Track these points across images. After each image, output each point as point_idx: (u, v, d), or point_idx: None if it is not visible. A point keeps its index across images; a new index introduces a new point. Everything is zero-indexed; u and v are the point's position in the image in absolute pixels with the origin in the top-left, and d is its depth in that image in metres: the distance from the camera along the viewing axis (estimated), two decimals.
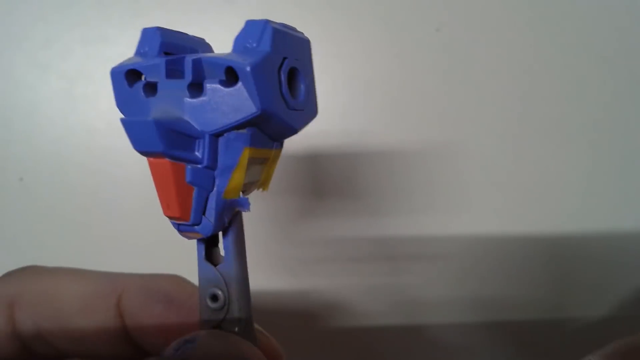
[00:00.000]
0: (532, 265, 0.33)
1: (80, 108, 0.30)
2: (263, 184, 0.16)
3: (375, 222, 0.31)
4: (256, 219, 0.30)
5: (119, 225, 0.30)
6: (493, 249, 0.32)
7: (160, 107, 0.13)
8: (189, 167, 0.14)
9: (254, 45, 0.14)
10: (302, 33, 0.15)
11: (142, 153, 0.14)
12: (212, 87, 0.13)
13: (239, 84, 0.13)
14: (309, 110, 0.15)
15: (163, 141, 0.13)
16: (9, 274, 0.17)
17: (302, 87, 0.15)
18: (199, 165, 0.14)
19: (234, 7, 0.30)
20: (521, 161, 0.32)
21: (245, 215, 0.16)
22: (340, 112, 0.31)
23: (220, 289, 0.15)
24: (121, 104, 0.15)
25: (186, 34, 0.15)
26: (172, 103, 0.13)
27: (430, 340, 0.32)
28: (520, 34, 0.33)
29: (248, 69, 0.13)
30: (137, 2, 0.30)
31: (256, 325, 0.16)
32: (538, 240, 0.32)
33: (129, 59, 0.14)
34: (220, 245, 0.16)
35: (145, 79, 0.14)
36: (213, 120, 0.13)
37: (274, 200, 0.30)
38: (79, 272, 0.18)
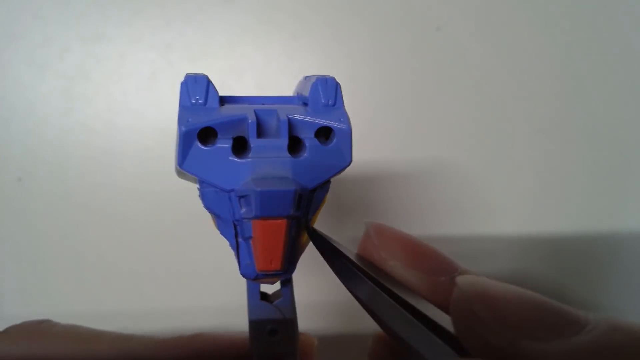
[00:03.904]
0: (533, 265, 0.32)
1: (79, 107, 0.30)
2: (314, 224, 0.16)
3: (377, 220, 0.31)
4: None
5: (117, 224, 0.30)
6: (493, 250, 0.32)
7: (264, 169, 0.13)
8: (293, 222, 0.14)
9: (331, 103, 0.15)
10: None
11: (262, 217, 0.13)
12: (312, 145, 0.14)
13: (335, 141, 0.14)
14: None
15: (293, 205, 0.13)
16: (18, 332, 0.16)
17: None
18: (299, 218, 0.14)
19: (233, 7, 0.30)
20: (522, 161, 0.32)
21: None
22: None
23: (279, 324, 0.16)
24: (193, 164, 0.14)
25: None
26: (275, 163, 0.14)
27: None
28: (521, 34, 0.32)
29: (345, 127, 0.14)
30: (136, 1, 0.30)
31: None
32: (538, 240, 0.32)
33: (186, 114, 0.14)
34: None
35: (221, 136, 0.13)
36: (314, 176, 0.14)
37: None
38: (91, 338, 0.16)
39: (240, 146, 0.14)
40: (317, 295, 0.31)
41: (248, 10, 0.30)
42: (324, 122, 0.14)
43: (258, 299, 0.16)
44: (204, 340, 0.17)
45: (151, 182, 0.30)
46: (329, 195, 0.15)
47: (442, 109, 0.32)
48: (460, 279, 0.11)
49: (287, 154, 0.14)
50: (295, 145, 0.14)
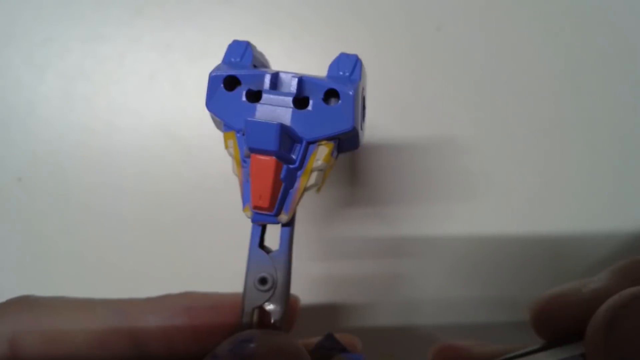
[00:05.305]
0: (534, 265, 0.32)
1: (79, 107, 0.30)
2: (320, 187, 0.18)
3: (376, 222, 0.31)
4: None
5: (117, 224, 0.30)
6: (493, 250, 0.32)
7: (267, 113, 0.16)
8: (285, 166, 0.16)
9: (347, 74, 0.17)
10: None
11: (253, 150, 0.15)
12: (317, 103, 0.16)
13: (339, 103, 0.16)
14: (364, 132, 0.19)
15: (278, 142, 0.15)
16: (3, 308, 0.16)
17: (366, 112, 0.19)
18: (292, 166, 0.16)
19: (233, 7, 0.30)
20: (521, 161, 0.32)
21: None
22: None
23: (270, 274, 0.17)
24: (214, 105, 0.16)
25: (255, 47, 0.18)
26: (279, 112, 0.16)
27: (430, 340, 0.32)
28: (521, 33, 0.32)
29: (351, 93, 0.16)
30: (136, 1, 0.30)
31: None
32: (539, 240, 0.32)
33: (221, 66, 0.16)
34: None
35: (243, 86, 0.16)
36: (313, 130, 0.16)
37: None
38: (80, 304, 0.16)
39: (258, 99, 0.16)
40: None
41: (248, 10, 0.30)
42: (330, 85, 0.16)
43: (257, 245, 0.17)
44: (191, 298, 0.17)
45: (151, 182, 0.30)
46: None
47: (442, 109, 0.32)
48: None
49: (290, 104, 0.16)
50: (304, 105, 0.16)
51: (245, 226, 0.30)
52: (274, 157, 0.15)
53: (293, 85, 0.16)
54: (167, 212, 0.30)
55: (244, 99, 0.16)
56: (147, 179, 0.30)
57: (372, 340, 0.32)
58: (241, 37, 0.30)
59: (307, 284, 0.31)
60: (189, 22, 0.30)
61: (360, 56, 0.31)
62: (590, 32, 0.33)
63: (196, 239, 0.30)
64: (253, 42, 0.31)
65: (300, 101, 0.16)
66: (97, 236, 0.30)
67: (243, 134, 0.16)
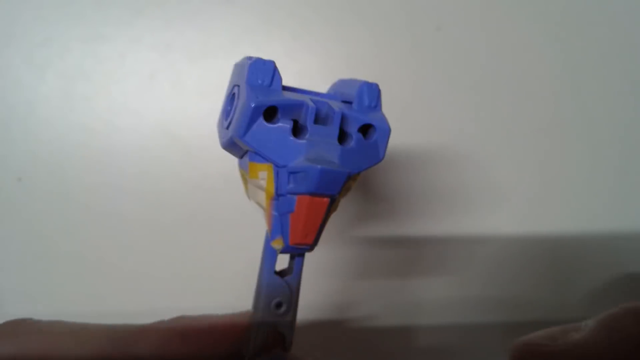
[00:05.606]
0: (534, 266, 0.32)
1: (79, 107, 0.30)
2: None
3: (377, 224, 0.31)
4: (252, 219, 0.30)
5: (117, 224, 0.30)
6: (494, 250, 0.32)
7: (316, 152, 0.15)
8: (329, 201, 0.16)
9: (373, 105, 0.17)
10: None
11: (313, 194, 0.15)
12: (358, 138, 0.16)
13: (375, 137, 0.16)
14: None
15: (341, 186, 0.15)
16: (1, 330, 0.16)
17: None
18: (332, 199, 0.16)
19: (233, 7, 0.30)
20: (522, 162, 0.32)
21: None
22: None
23: (287, 297, 0.17)
24: (252, 137, 0.15)
25: None
26: (326, 148, 0.16)
27: (431, 341, 0.32)
28: (521, 33, 0.32)
29: (388, 128, 0.17)
30: (137, 1, 0.30)
31: None
32: (539, 241, 0.32)
33: (253, 93, 0.15)
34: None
35: (282, 117, 0.15)
36: (353, 164, 0.16)
37: None
38: (76, 329, 0.17)
39: (294, 129, 0.16)
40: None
41: (248, 10, 0.30)
42: (369, 120, 0.16)
43: (273, 272, 0.17)
44: (185, 323, 0.17)
45: (151, 182, 0.30)
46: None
47: (442, 108, 0.32)
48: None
49: (336, 141, 0.16)
50: (344, 138, 0.16)
51: (244, 226, 0.30)
52: (328, 199, 0.15)
53: (336, 120, 0.16)
54: (167, 212, 0.30)
55: (290, 134, 0.15)
56: (147, 179, 0.30)
57: (374, 341, 0.32)
58: (241, 37, 0.30)
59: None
60: (190, 22, 0.30)
61: (360, 56, 0.31)
62: (590, 32, 0.33)
63: (196, 239, 0.30)
64: (253, 42, 0.31)
65: (343, 135, 0.16)
66: (97, 236, 0.30)
67: (291, 174, 0.15)
